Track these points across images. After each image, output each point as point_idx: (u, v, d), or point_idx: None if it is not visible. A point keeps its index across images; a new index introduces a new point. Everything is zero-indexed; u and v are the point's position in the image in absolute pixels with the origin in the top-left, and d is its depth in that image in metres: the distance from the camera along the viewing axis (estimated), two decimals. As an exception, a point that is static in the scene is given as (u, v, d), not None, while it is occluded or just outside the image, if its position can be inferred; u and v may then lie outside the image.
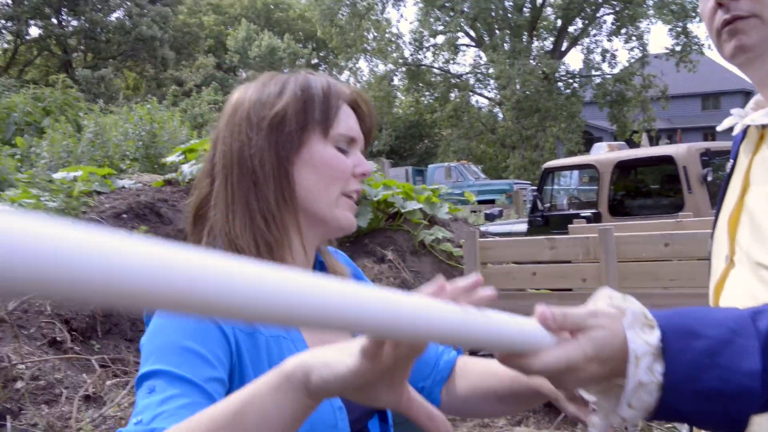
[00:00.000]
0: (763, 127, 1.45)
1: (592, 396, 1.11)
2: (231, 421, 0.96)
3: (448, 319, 0.83)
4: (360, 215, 8.02)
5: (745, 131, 1.57)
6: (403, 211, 8.22)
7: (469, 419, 5.75)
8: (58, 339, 5.71)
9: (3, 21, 40.22)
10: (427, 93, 38.34)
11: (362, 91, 1.46)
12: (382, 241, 8.10)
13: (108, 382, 5.34)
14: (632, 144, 26.77)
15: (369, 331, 0.80)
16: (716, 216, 1.60)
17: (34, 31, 41.08)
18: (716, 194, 1.59)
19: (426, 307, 0.81)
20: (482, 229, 10.61)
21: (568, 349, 1.01)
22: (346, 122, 1.38)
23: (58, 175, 7.72)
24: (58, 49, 41.92)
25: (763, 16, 1.33)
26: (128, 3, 40.08)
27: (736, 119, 1.55)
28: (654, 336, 1.02)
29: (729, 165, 1.60)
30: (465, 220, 9.68)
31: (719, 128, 1.67)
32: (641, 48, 35.62)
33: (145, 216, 7.27)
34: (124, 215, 7.19)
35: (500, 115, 36.78)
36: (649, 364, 1.01)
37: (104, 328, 6.10)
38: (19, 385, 4.98)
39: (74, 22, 40.49)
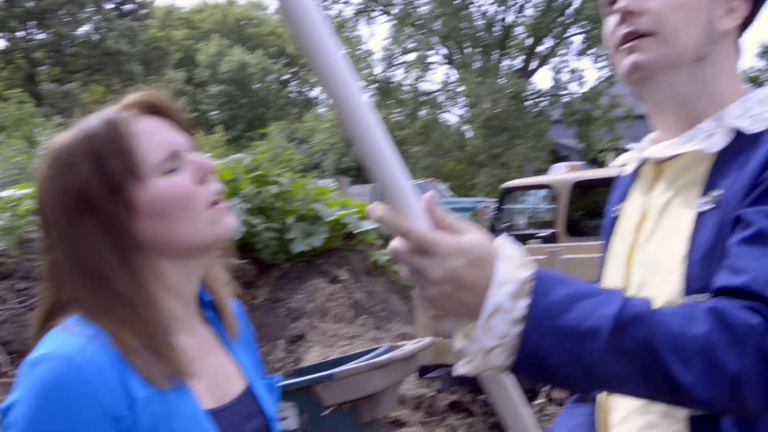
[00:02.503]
0: (660, 162, 1.44)
1: (460, 341, 1.14)
2: None
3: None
4: (314, 235, 7.99)
5: (635, 172, 1.56)
6: (357, 231, 8.19)
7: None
8: None
9: None
10: (396, 110, 38.40)
11: (151, 93, 1.31)
12: (336, 261, 8.06)
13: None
14: (599, 163, 27.01)
15: None
16: (604, 253, 1.58)
17: (0, 44, 40.74)
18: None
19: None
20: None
21: (444, 234, 1.08)
22: (156, 142, 1.25)
23: (5, 193, 7.60)
24: (24, 63, 41.37)
25: (661, 35, 1.34)
26: (96, 17, 39.80)
27: (635, 154, 1.55)
28: (526, 272, 1.07)
29: (616, 207, 1.59)
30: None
31: (615, 165, 1.66)
32: (609, 68, 35.94)
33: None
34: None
35: (469, 132, 36.92)
36: (513, 292, 1.05)
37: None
38: None
39: (41, 35, 40.05)
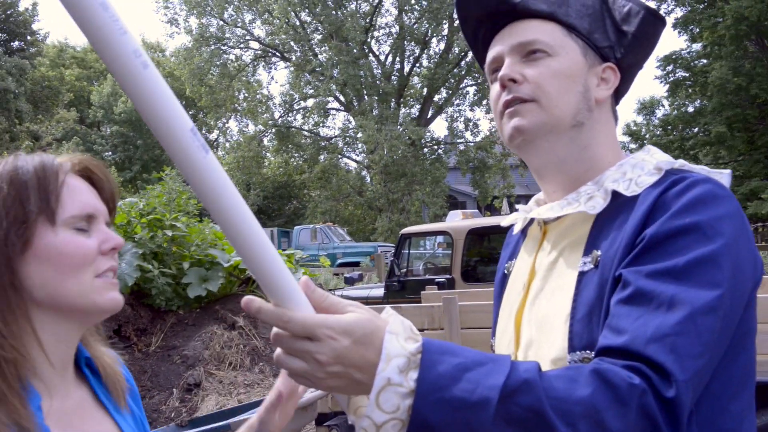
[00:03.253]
0: (545, 223, 1.48)
1: (351, 417, 1.17)
2: None
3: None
4: (211, 280, 7.88)
5: (524, 231, 1.59)
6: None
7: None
8: None
9: None
10: (296, 154, 38.44)
11: (89, 158, 1.31)
12: (234, 307, 7.96)
13: None
14: (493, 209, 27.55)
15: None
16: (496, 314, 1.61)
17: None
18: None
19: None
20: (338, 294, 10.58)
21: (327, 315, 1.08)
22: (78, 199, 1.23)
23: None
24: None
25: (541, 102, 1.38)
26: (-20, 53, 38.70)
27: (521, 214, 1.58)
28: (413, 345, 1.09)
29: (507, 264, 1.62)
30: (321, 285, 9.63)
31: (503, 224, 1.70)
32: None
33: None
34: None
35: (368, 178, 37.20)
36: (402, 366, 1.06)
37: None
38: None
39: None
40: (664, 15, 1.49)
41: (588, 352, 1.24)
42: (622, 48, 1.43)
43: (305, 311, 1.08)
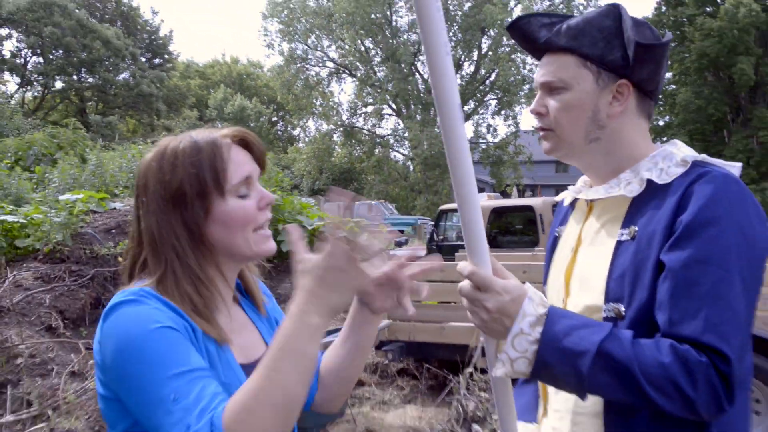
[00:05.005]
0: (591, 201, 1.45)
1: (491, 344, 1.25)
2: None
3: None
4: (298, 239, 7.91)
5: (573, 203, 1.56)
6: (331, 237, 8.15)
7: (366, 400, 5.65)
8: (53, 326, 5.59)
9: (35, 75, 39.62)
10: (357, 148, 38.46)
11: (243, 129, 1.28)
12: (314, 259, 7.99)
13: (91, 361, 5.15)
14: (506, 195, 27.30)
15: None
16: (547, 267, 1.58)
17: (59, 84, 40.30)
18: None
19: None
20: (392, 252, 10.57)
21: (496, 277, 1.20)
22: (239, 166, 1.22)
23: (63, 197, 7.43)
24: (76, 99, 41.04)
25: (557, 131, 1.39)
26: (133, 66, 39.50)
27: (571, 193, 1.54)
28: (542, 309, 1.18)
29: (558, 229, 1.59)
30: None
31: (557, 199, 1.67)
32: (515, 125, 36.52)
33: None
34: (113, 230, 6.95)
35: (411, 167, 37.13)
36: (532, 322, 1.16)
37: (91, 318, 5.89)
38: (19, 361, 4.87)
39: (90, 79, 39.69)
40: (660, 38, 1.37)
41: (619, 304, 1.24)
42: (633, 65, 1.32)
43: (488, 271, 1.19)
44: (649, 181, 1.30)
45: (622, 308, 1.23)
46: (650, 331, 1.19)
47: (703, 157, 1.31)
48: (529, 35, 1.40)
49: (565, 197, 1.60)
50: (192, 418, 0.97)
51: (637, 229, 1.26)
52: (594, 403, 1.28)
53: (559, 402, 1.38)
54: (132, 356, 1.03)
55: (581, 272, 1.37)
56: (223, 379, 1.11)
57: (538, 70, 1.42)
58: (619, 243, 1.29)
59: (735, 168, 1.31)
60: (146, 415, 1.02)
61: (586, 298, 1.32)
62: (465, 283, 1.22)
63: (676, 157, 1.31)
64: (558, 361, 1.14)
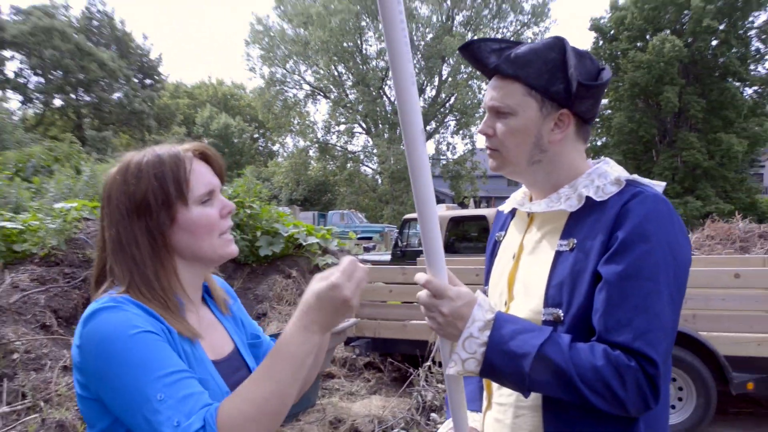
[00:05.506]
0: (531, 213, 1.44)
1: (445, 345, 1.25)
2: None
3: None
4: (275, 244, 7.84)
5: (513, 211, 1.55)
6: (304, 243, 8.09)
7: (335, 391, 5.61)
8: (47, 324, 5.44)
9: (36, 93, 39.10)
10: (331, 162, 38.31)
11: (203, 144, 1.25)
12: (289, 264, 7.93)
13: (81, 357, 5.04)
14: (463, 206, 27.47)
15: None
16: (488, 269, 1.58)
17: (58, 102, 39.64)
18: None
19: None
20: (360, 257, 10.55)
21: (450, 285, 1.20)
22: (201, 179, 1.19)
23: (58, 205, 7.25)
24: (74, 116, 40.26)
25: (502, 153, 1.37)
26: (126, 87, 38.95)
27: (512, 204, 1.54)
28: (490, 315, 1.19)
29: (498, 234, 1.58)
30: (348, 251, 9.59)
31: (501, 209, 1.65)
32: (471, 143, 36.80)
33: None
34: (105, 236, 6.81)
35: (380, 180, 37.12)
36: (481, 327, 1.17)
37: (83, 317, 5.76)
38: (15, 356, 4.76)
39: (87, 98, 39.07)
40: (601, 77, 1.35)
41: (557, 309, 1.23)
42: (574, 99, 1.29)
43: (443, 280, 1.20)
44: (588, 198, 1.29)
45: (561, 313, 1.22)
46: (587, 333, 1.19)
47: (634, 177, 1.31)
48: (480, 59, 1.36)
49: (505, 207, 1.59)
50: (181, 415, 0.95)
51: (576, 241, 1.25)
52: (534, 398, 1.27)
53: (502, 396, 1.37)
54: (115, 360, 0.99)
55: (523, 278, 1.36)
56: (197, 376, 1.08)
57: (486, 92, 1.39)
58: (558, 253, 1.28)
59: (660, 186, 1.32)
60: (131, 414, 0.98)
61: (528, 303, 1.31)
62: (422, 293, 1.22)
63: (610, 175, 1.30)
64: (503, 362, 1.15)
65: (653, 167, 30.82)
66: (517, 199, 1.54)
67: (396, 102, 1.09)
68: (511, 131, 1.32)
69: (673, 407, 4.69)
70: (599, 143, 35.34)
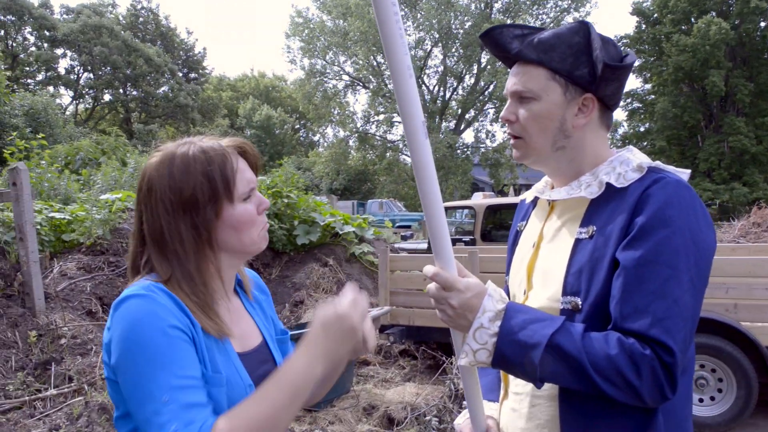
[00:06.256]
0: (552, 201, 1.41)
1: (457, 336, 1.23)
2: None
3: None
4: (312, 233, 7.90)
5: (534, 200, 1.52)
6: (341, 232, 8.11)
7: (370, 378, 5.62)
8: (93, 310, 5.61)
9: (86, 89, 40.39)
10: (371, 152, 38.39)
11: (243, 140, 1.24)
12: (326, 252, 7.99)
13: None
14: (503, 194, 27.20)
15: None
16: (509, 259, 1.54)
17: (107, 97, 40.83)
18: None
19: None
20: (398, 245, 10.57)
21: (459, 277, 1.19)
22: (243, 177, 1.18)
23: (104, 196, 7.47)
24: (122, 110, 41.50)
25: (525, 139, 1.33)
26: (171, 81, 39.80)
27: (534, 193, 1.50)
28: (501, 306, 1.17)
29: (520, 224, 1.54)
30: (385, 239, 9.60)
31: (522, 197, 1.62)
32: (511, 131, 36.28)
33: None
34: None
35: (418, 169, 36.95)
36: (492, 317, 1.15)
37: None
38: (62, 341, 4.93)
39: (134, 92, 40.19)
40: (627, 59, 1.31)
41: (576, 297, 1.20)
42: (598, 82, 1.26)
43: (452, 272, 1.18)
44: (608, 184, 1.26)
45: (579, 301, 1.19)
46: (605, 322, 1.16)
47: (657, 163, 1.27)
48: (502, 45, 1.33)
49: (527, 196, 1.56)
50: (180, 423, 0.94)
51: (595, 228, 1.22)
52: (550, 387, 1.25)
53: (518, 385, 1.35)
54: (134, 348, 0.99)
55: (542, 267, 1.33)
56: (222, 372, 1.08)
57: (509, 78, 1.36)
58: (578, 241, 1.25)
59: (685, 174, 1.28)
60: (134, 406, 0.99)
61: (546, 291, 1.28)
62: (431, 285, 1.20)
63: (632, 162, 1.27)
64: (514, 352, 1.13)
65: (698, 153, 29.97)
66: (538, 188, 1.51)
67: (395, 95, 1.09)
68: (534, 116, 1.30)
69: (713, 399, 4.55)
70: (642, 129, 34.53)
